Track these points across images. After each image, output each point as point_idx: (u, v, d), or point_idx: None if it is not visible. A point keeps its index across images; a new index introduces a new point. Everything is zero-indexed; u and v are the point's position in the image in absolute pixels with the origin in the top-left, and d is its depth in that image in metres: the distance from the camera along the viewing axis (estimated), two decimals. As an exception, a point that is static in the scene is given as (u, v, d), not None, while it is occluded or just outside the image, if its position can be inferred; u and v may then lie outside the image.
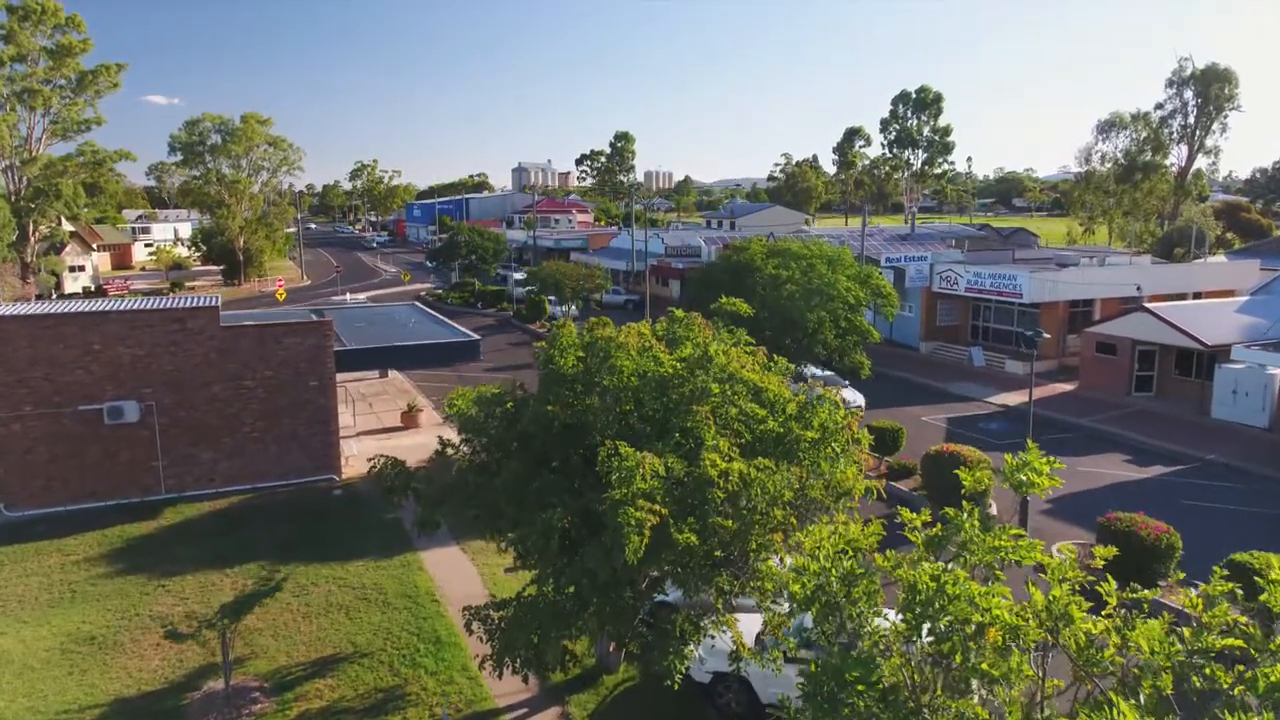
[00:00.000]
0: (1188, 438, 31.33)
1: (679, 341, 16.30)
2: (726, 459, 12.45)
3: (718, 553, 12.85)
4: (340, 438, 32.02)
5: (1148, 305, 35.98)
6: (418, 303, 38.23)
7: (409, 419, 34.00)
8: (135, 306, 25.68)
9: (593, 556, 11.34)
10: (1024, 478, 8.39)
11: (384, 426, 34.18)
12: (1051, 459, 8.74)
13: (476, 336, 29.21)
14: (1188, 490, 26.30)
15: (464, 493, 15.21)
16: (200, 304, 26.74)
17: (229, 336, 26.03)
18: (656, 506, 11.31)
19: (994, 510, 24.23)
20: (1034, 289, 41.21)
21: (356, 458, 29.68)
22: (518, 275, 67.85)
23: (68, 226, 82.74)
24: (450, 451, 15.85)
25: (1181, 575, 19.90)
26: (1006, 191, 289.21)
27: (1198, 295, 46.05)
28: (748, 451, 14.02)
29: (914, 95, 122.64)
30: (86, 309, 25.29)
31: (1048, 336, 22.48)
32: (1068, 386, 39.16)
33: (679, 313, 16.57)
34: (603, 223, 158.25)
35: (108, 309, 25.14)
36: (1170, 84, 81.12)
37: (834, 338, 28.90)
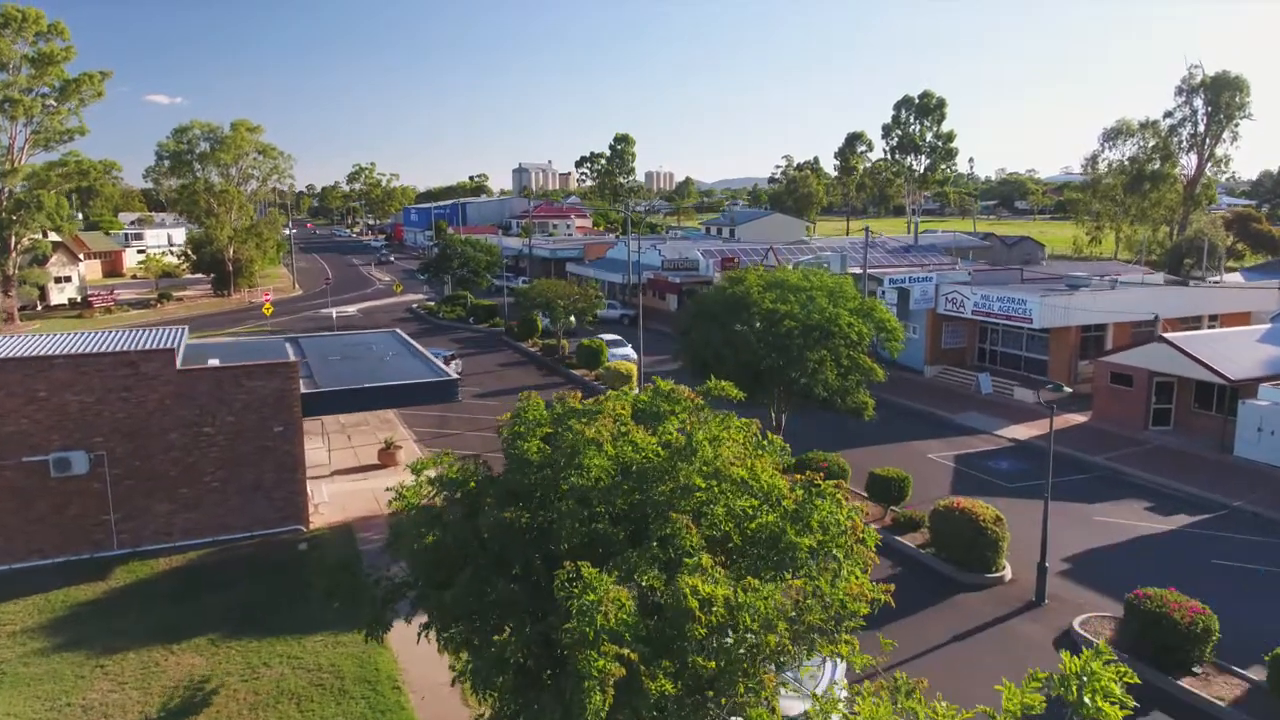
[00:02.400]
0: (1211, 480, 29.52)
1: (662, 417, 14.57)
2: (711, 580, 10.68)
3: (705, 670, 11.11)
4: (313, 477, 30.35)
5: (1166, 335, 34.17)
6: (399, 330, 36.42)
7: (387, 457, 32.23)
8: (83, 350, 23.91)
9: (548, 715, 9.57)
10: (1087, 699, 6.45)
11: (360, 465, 32.39)
12: (1124, 669, 6.82)
13: (455, 376, 27.46)
14: (1216, 546, 24.48)
15: (414, 592, 13.54)
16: (156, 345, 25.01)
17: (186, 380, 24.28)
18: (625, 651, 9.55)
19: (1008, 574, 22.45)
20: (1044, 314, 39.39)
21: (327, 504, 27.94)
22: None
23: (54, 237, 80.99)
24: (403, 539, 14.09)
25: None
26: (1009, 194, 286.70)
27: (1214, 318, 44.27)
28: (736, 556, 12.30)
29: (917, 101, 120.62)
30: (30, 353, 23.52)
31: (1069, 391, 20.64)
32: (1080, 417, 37.30)
33: (664, 384, 14.80)
34: (601, 228, 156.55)
35: (53, 353, 23.36)
36: (1179, 91, 79.22)
37: (835, 377, 27.08)
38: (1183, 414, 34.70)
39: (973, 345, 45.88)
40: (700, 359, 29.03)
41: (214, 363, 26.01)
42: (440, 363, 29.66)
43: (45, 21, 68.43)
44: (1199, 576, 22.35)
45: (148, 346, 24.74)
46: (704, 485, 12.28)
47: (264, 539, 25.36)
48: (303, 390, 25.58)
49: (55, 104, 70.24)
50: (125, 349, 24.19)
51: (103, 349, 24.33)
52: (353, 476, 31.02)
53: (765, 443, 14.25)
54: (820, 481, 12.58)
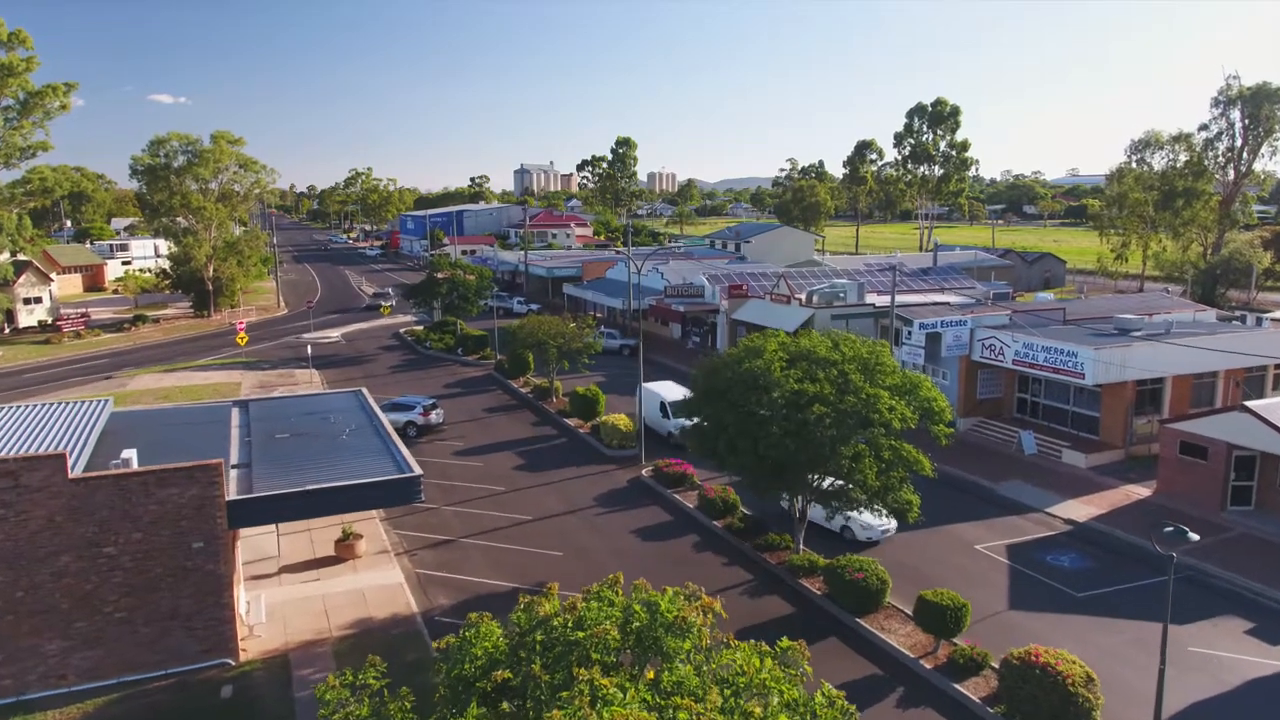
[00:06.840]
0: (1314, 586, 24.93)
1: (666, 654, 10.04)
2: None
3: None
4: (255, 577, 25.96)
5: (1249, 405, 29.51)
6: (364, 389, 31.88)
7: (345, 549, 27.70)
8: (-52, 460, 19.35)
9: None
10: None
11: (314, 557, 27.82)
12: None
13: (418, 471, 22.83)
14: (1348, 696, 19.85)
15: None
16: (43, 450, 20.50)
17: (82, 491, 19.72)
18: None
19: (1103, 750, 17.84)
20: (1099, 370, 34.75)
21: (265, 624, 23.36)
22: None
23: (23, 257, 76.44)
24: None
25: None
26: (1017, 198, 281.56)
27: (1279, 366, 39.68)
28: None
29: (930, 108, 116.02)
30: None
31: (1196, 538, 16.04)
32: (1143, 491, 32.67)
33: (665, 602, 10.29)
34: (602, 236, 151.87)
35: (-93, 466, 18.80)
36: (1216, 103, 74.42)
37: (875, 476, 22.49)
38: (1267, 493, 30.07)
39: (1011, 396, 41.23)
40: (710, 447, 24.48)
41: (128, 455, 21.49)
42: (404, 453, 24.89)
43: (5, 31, 63.86)
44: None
45: (33, 451, 20.23)
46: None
47: (181, 678, 20.82)
48: (230, 496, 21.05)
49: (17, 118, 65.70)
50: (3, 455, 19.62)
51: (-24, 455, 19.79)
52: (303, 576, 26.47)
53: (822, 699, 9.76)
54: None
